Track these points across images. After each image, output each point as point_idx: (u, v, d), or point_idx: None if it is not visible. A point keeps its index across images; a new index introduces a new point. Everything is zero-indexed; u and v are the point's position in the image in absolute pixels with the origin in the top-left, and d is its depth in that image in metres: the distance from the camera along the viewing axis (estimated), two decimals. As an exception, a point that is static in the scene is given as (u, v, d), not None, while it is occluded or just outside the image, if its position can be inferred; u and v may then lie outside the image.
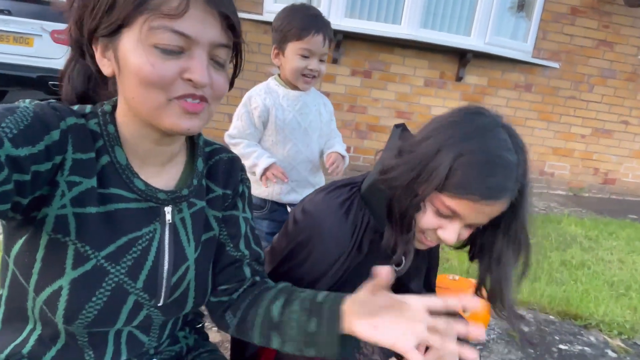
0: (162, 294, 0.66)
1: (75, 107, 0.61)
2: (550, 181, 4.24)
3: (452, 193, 0.69)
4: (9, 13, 3.69)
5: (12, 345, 0.63)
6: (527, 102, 4.00)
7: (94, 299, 0.58)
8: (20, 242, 0.58)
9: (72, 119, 0.57)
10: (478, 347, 1.55)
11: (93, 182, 0.59)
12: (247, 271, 0.76)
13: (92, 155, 0.59)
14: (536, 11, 3.84)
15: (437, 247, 0.99)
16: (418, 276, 0.98)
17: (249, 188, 0.80)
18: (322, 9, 3.54)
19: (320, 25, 1.35)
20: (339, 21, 3.52)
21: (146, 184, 0.64)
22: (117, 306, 0.61)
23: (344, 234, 0.80)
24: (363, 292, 0.61)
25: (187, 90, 0.56)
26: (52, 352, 0.63)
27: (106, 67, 0.59)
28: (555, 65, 3.92)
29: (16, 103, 0.54)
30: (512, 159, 0.69)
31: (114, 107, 0.64)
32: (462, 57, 3.74)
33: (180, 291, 0.68)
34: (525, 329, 1.74)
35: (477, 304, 0.55)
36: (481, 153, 0.68)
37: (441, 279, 1.50)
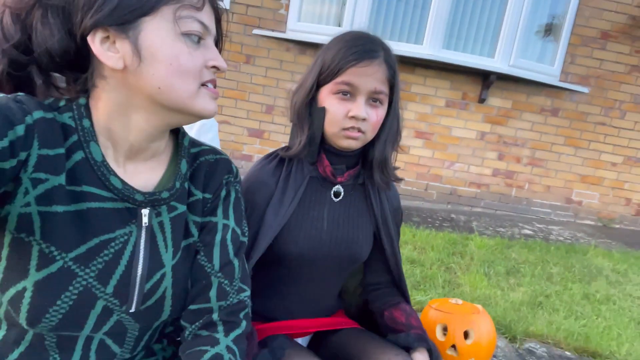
0: (134, 300, 0.62)
1: (49, 100, 0.59)
2: (578, 210, 4.04)
3: (338, 71, 0.83)
4: None
5: None
6: (553, 127, 3.86)
7: (58, 302, 0.55)
8: None
9: (40, 113, 0.55)
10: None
11: (61, 179, 0.56)
12: (213, 296, 0.69)
13: (61, 151, 0.56)
14: (564, 35, 3.73)
15: (393, 207, 1.02)
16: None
17: (237, 191, 0.75)
18: (344, 28, 3.57)
19: None
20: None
21: (124, 183, 0.61)
22: (84, 311, 0.58)
23: (267, 173, 0.90)
24: None
25: (212, 76, 0.63)
26: (15, 354, 0.60)
27: (113, 59, 0.56)
28: (584, 90, 3.78)
29: None
30: (373, 35, 0.87)
31: (88, 98, 0.61)
32: (485, 79, 3.67)
33: (155, 298, 0.64)
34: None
35: None
36: (345, 36, 0.86)
37: (443, 302, 1.42)
